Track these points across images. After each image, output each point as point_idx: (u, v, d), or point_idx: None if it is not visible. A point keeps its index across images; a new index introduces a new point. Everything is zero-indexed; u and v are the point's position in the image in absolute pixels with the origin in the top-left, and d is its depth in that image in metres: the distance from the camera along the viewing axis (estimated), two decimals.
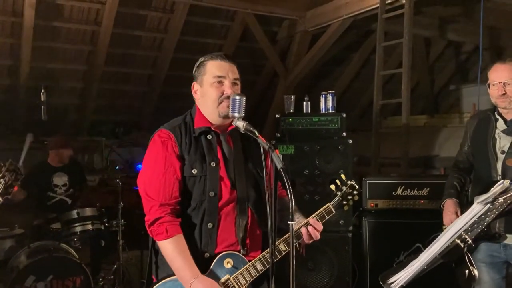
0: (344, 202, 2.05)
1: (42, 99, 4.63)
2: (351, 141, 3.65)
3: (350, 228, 3.65)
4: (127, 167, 5.68)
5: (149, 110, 6.74)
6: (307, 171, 3.63)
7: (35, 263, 3.56)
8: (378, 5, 4.98)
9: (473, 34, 5.75)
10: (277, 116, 3.80)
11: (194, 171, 1.91)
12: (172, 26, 5.85)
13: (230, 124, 1.97)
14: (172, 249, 1.84)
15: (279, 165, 1.65)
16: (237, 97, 1.86)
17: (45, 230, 4.14)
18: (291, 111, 3.85)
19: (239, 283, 1.89)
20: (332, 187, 2.08)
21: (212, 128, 1.98)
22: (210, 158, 1.93)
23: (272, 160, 1.68)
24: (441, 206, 2.65)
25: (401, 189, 3.68)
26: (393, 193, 3.69)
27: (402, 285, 1.94)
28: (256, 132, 1.81)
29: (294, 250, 1.67)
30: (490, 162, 2.52)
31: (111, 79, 6.23)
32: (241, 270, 1.91)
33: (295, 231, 1.84)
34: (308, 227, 1.95)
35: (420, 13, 5.71)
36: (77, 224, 4.11)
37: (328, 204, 2.04)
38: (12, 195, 2.04)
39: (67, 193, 4.56)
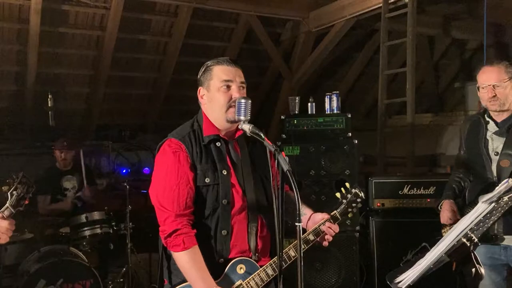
0: (349, 210, 2.11)
1: (49, 105, 4.68)
2: (356, 141, 3.66)
3: (357, 228, 3.66)
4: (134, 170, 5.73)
5: (155, 113, 6.78)
6: (313, 172, 3.64)
7: (45, 267, 3.59)
8: (381, 4, 4.99)
9: (477, 31, 5.74)
10: (282, 117, 3.82)
11: (207, 180, 1.93)
12: (176, 29, 5.88)
13: (237, 130, 1.99)
14: (188, 260, 1.86)
15: (286, 168, 1.67)
16: (243, 100, 1.88)
17: (54, 235, 4.18)
18: (296, 112, 3.87)
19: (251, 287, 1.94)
20: (338, 195, 2.14)
21: (221, 136, 2.00)
22: (221, 166, 1.96)
23: (278, 162, 1.70)
24: (438, 207, 2.68)
25: (407, 188, 3.69)
26: (399, 192, 3.71)
27: (409, 285, 1.96)
28: (262, 134, 1.84)
29: (301, 251, 1.69)
30: (485, 164, 2.54)
31: (117, 83, 6.26)
32: (253, 275, 1.94)
33: (314, 229, 1.99)
34: (327, 223, 2.01)
35: (423, 12, 5.70)
36: (85, 228, 4.14)
37: (335, 211, 2.10)
38: (24, 208, 2.08)
39: (76, 196, 4.61)
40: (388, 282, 2.02)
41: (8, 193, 2.02)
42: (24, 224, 4.11)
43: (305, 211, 2.09)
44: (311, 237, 2.02)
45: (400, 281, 1.95)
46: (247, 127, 1.86)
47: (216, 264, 1.92)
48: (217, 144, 1.99)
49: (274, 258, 1.96)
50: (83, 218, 4.16)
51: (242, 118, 1.87)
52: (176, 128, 2.07)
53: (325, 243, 2.04)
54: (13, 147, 5.93)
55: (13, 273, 3.91)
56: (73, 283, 3.64)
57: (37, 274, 3.55)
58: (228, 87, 1.95)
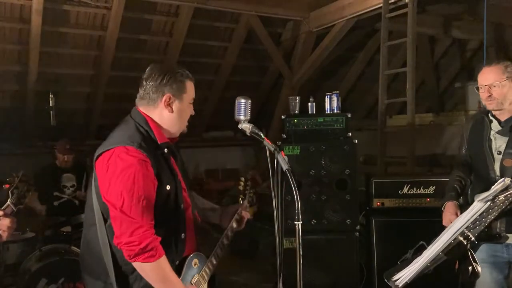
0: (250, 196, 2.37)
1: (51, 104, 4.70)
2: (356, 141, 3.67)
3: (357, 227, 3.66)
4: None
5: None
6: (313, 172, 3.64)
7: (46, 266, 3.60)
8: (381, 4, 5.00)
9: (478, 31, 5.75)
10: (283, 117, 3.82)
11: (168, 187, 1.92)
12: (177, 29, 5.90)
13: (175, 138, 2.07)
14: (164, 267, 1.85)
15: (285, 167, 1.69)
16: (243, 100, 1.91)
17: (55, 234, 4.20)
18: (296, 112, 3.87)
19: (204, 278, 2.07)
20: (241, 187, 2.39)
21: (169, 143, 2.01)
22: (174, 172, 1.98)
23: (277, 162, 1.73)
24: (442, 208, 2.68)
25: (407, 187, 3.70)
26: (399, 191, 3.71)
27: (406, 282, 1.97)
28: (262, 134, 1.86)
29: (301, 249, 1.71)
30: (488, 164, 2.54)
31: (118, 83, 6.28)
32: (204, 267, 2.08)
33: (235, 219, 2.20)
34: (243, 211, 2.27)
35: (424, 12, 5.72)
36: None
37: (245, 200, 2.35)
38: (25, 206, 2.10)
39: (75, 194, 4.62)
40: (385, 280, 2.04)
41: (9, 191, 2.05)
42: (26, 223, 4.14)
43: (214, 207, 2.31)
44: (235, 225, 2.23)
45: (398, 279, 1.98)
46: (247, 127, 1.88)
47: (174, 267, 1.94)
48: (165, 150, 1.97)
49: (215, 248, 2.15)
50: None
51: (242, 118, 1.90)
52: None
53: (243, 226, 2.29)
54: (14, 147, 5.96)
55: (14, 272, 3.92)
56: (74, 282, 3.64)
57: (39, 273, 3.57)
58: (192, 104, 2.05)
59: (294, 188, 1.66)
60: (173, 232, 1.94)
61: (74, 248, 3.98)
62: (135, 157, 1.83)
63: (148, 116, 1.98)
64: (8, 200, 2.04)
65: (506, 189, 2.04)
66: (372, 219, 3.74)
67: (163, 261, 1.83)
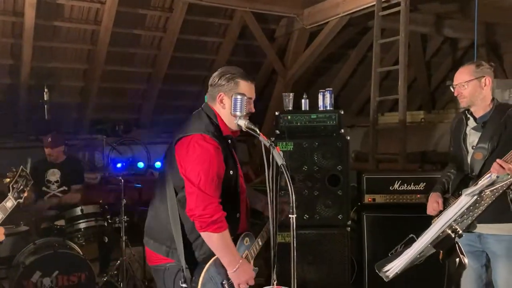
0: None
1: (45, 99, 4.68)
2: (348, 138, 3.72)
3: (349, 222, 3.72)
4: (128, 164, 5.77)
5: (149, 108, 6.80)
6: (306, 167, 3.69)
7: (40, 259, 3.62)
8: (374, 2, 5.05)
9: (469, 30, 5.83)
10: (276, 113, 3.86)
11: (231, 173, 2.22)
12: (171, 24, 5.90)
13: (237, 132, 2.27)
14: (227, 238, 2.15)
15: (280, 162, 1.73)
16: (239, 97, 1.96)
17: (49, 227, 4.21)
18: (290, 108, 3.92)
19: (252, 255, 2.34)
20: None
21: (232, 136, 2.26)
22: (235, 160, 2.25)
23: (273, 157, 1.77)
24: (426, 200, 2.81)
25: (398, 184, 3.77)
26: (390, 188, 3.78)
27: (396, 273, 2.04)
28: (257, 130, 1.90)
29: (295, 241, 1.76)
30: (463, 158, 2.72)
31: (111, 78, 6.27)
32: (252, 245, 2.33)
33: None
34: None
35: (416, 10, 5.78)
36: (81, 221, 4.18)
37: None
38: (24, 199, 2.16)
39: (59, 190, 4.62)
40: (377, 271, 2.10)
41: (10, 186, 2.10)
42: (20, 217, 4.15)
43: (258, 196, 2.53)
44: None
45: (388, 270, 2.04)
46: (243, 123, 1.93)
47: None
48: (228, 141, 2.25)
49: (262, 231, 2.38)
50: (78, 211, 4.20)
51: (238, 113, 1.95)
52: (185, 123, 2.25)
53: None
54: (7, 141, 5.94)
55: (8, 265, 3.94)
56: (68, 275, 3.68)
57: (33, 266, 3.59)
58: (249, 102, 2.20)
59: (289, 182, 1.71)
60: (231, 211, 2.20)
61: (67, 241, 4.01)
62: (210, 144, 2.13)
63: (216, 111, 2.25)
64: (9, 194, 2.08)
65: (492, 184, 2.12)
66: (363, 214, 3.81)
67: (227, 233, 2.13)
